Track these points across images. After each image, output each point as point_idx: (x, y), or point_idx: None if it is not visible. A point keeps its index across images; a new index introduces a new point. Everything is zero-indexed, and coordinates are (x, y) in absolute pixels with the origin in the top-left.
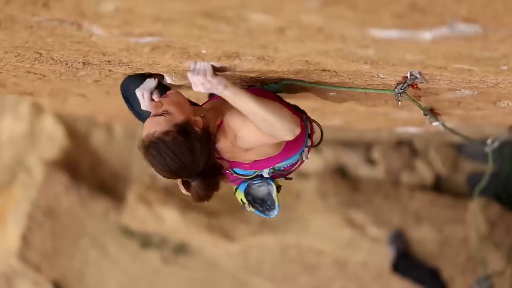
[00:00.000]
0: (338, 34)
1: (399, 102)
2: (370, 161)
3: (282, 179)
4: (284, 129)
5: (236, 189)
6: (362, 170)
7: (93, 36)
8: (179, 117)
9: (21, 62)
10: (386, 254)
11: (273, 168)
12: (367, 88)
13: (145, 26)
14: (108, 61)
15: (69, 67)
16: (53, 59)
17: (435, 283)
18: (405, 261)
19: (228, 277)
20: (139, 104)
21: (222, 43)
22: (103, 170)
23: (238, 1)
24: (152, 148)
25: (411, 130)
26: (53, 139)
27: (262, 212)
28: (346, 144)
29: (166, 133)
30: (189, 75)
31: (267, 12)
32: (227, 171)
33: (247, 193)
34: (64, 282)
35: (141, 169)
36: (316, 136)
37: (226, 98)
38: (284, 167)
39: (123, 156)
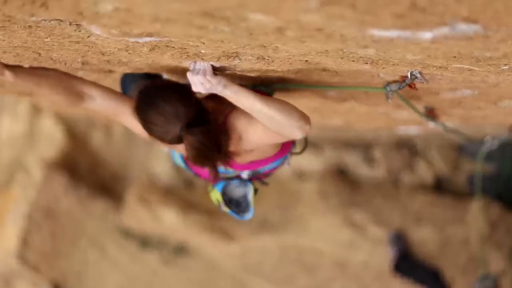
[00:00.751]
0: (338, 34)
1: (389, 100)
2: (371, 161)
3: (258, 182)
4: (292, 126)
5: (213, 188)
6: (362, 170)
7: (92, 36)
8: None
9: (19, 62)
10: (386, 255)
11: (254, 170)
12: (357, 87)
13: (144, 26)
14: (107, 61)
15: (68, 67)
16: (52, 59)
17: (436, 284)
18: (406, 261)
19: (228, 278)
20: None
21: (222, 43)
22: (102, 171)
23: (237, 1)
24: (151, 88)
25: (412, 130)
26: (52, 139)
27: (237, 213)
28: (347, 144)
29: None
30: (188, 75)
31: (266, 12)
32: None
33: (223, 193)
34: (63, 283)
35: (140, 170)
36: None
37: (227, 97)
38: (265, 171)
39: (122, 156)
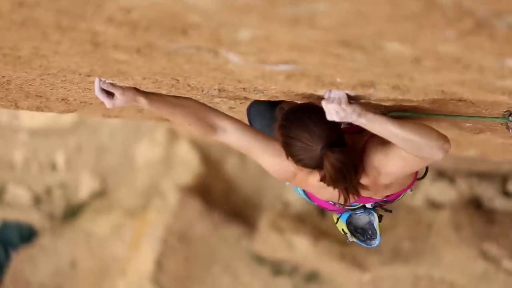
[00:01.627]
0: (476, 65)
1: (510, 130)
2: (506, 193)
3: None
4: (432, 146)
5: (338, 219)
6: (497, 202)
7: (229, 63)
8: None
9: (158, 88)
10: None
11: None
12: (473, 116)
13: (281, 54)
14: (243, 88)
15: (205, 93)
16: (189, 85)
17: None
18: None
19: None
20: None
21: (357, 71)
22: (236, 197)
23: (374, 30)
24: (299, 108)
25: None
26: (187, 165)
27: (364, 241)
28: (481, 176)
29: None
30: (323, 103)
31: (403, 41)
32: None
33: (348, 223)
34: None
35: (274, 197)
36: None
37: (362, 125)
38: (389, 199)
39: (256, 183)
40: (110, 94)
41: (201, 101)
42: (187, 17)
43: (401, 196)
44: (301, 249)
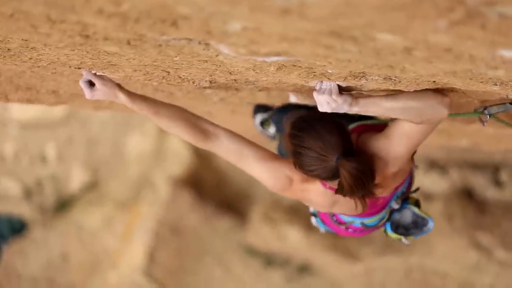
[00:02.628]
0: (467, 55)
1: (484, 124)
2: (498, 183)
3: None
4: (433, 105)
5: (385, 231)
6: (489, 192)
7: (220, 55)
8: None
9: (149, 80)
10: None
11: (397, 195)
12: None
13: (272, 45)
14: (235, 80)
15: (196, 85)
16: (180, 77)
17: None
18: None
19: None
20: None
21: (349, 62)
22: (227, 189)
23: (365, 21)
24: (314, 120)
25: None
26: (179, 157)
27: (420, 232)
28: (474, 166)
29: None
30: (314, 94)
31: (395, 32)
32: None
33: (396, 228)
34: None
35: (266, 188)
36: None
37: (356, 113)
38: (405, 189)
39: (248, 174)
40: (92, 85)
41: (193, 92)
42: (178, 8)
43: (413, 179)
44: (293, 240)
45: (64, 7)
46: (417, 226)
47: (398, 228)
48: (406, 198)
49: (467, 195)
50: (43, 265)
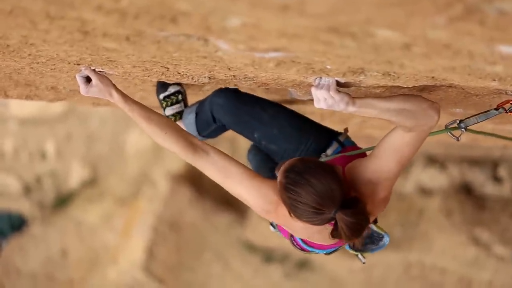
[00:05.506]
0: (466, 51)
1: (459, 138)
2: (497, 179)
3: None
4: (425, 109)
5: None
6: (488, 188)
7: (219, 51)
8: None
9: (148, 76)
10: None
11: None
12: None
13: (271, 41)
14: (234, 76)
15: (195, 81)
16: (179, 73)
17: None
18: None
19: None
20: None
21: (347, 58)
22: None
23: (364, 17)
24: (313, 167)
25: None
26: None
27: (377, 247)
28: (472, 161)
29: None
30: (312, 89)
31: (393, 28)
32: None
33: (353, 244)
34: None
35: None
36: None
37: (353, 113)
38: None
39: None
40: (89, 81)
41: (192, 88)
42: (177, 4)
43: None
44: None
45: (63, 3)
46: (372, 240)
47: (355, 244)
48: None
49: (466, 191)
50: (43, 261)
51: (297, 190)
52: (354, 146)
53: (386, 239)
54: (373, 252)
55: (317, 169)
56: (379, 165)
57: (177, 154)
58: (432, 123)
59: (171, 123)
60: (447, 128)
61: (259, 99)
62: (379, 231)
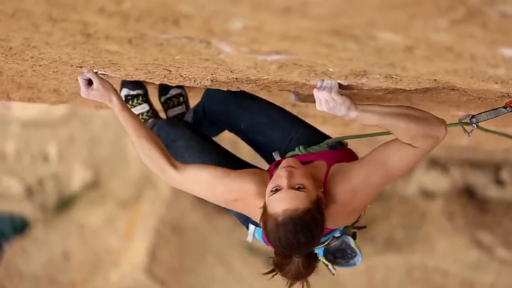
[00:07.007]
0: (468, 53)
1: (470, 134)
2: (499, 182)
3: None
4: (430, 119)
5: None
6: (490, 191)
7: (222, 54)
8: (313, 193)
9: (150, 78)
10: None
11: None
12: None
13: (273, 44)
14: (236, 79)
15: (198, 84)
16: (181, 76)
17: None
18: None
19: None
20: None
21: (350, 61)
22: None
23: (366, 20)
24: (290, 224)
25: None
26: None
27: (347, 263)
28: (475, 164)
29: (307, 211)
30: (314, 91)
31: (396, 31)
32: None
33: (326, 254)
34: None
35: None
36: None
37: (354, 119)
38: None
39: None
40: (90, 84)
41: (193, 91)
42: (179, 7)
43: (360, 217)
44: None
45: (66, 5)
46: (344, 256)
47: (327, 253)
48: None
49: (468, 193)
50: (45, 264)
51: (269, 234)
52: (348, 149)
53: (358, 259)
54: (342, 267)
55: (313, 226)
56: (366, 173)
57: (158, 173)
58: (439, 133)
59: (158, 141)
60: (460, 122)
61: (252, 94)
62: (355, 248)
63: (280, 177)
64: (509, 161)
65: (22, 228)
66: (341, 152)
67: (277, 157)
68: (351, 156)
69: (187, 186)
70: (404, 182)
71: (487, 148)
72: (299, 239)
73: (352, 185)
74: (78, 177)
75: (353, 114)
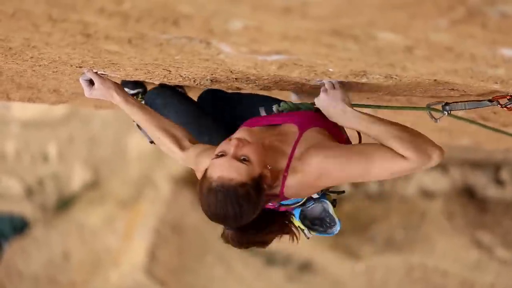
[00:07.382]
0: (468, 54)
1: (438, 120)
2: (499, 182)
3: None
4: (425, 138)
5: (292, 215)
6: (490, 191)
7: (221, 54)
8: (256, 170)
9: (150, 78)
10: None
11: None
12: (405, 107)
13: (273, 44)
14: (236, 79)
15: (197, 84)
16: (181, 76)
17: None
18: None
19: None
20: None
21: (350, 61)
22: None
23: (366, 20)
24: (221, 193)
25: None
26: None
27: (324, 232)
28: (474, 164)
29: (243, 185)
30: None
31: (396, 31)
32: (270, 205)
33: (303, 218)
34: None
35: None
36: None
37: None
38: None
39: None
40: (92, 83)
41: (193, 91)
42: (179, 7)
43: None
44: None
45: (66, 6)
46: (322, 224)
47: (305, 218)
48: (327, 193)
49: (468, 193)
50: (45, 264)
51: (201, 196)
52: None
53: (336, 228)
54: (318, 235)
55: (245, 201)
56: (347, 160)
57: (170, 155)
58: (431, 152)
59: (167, 126)
60: (428, 107)
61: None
62: (335, 217)
63: (229, 144)
64: (509, 161)
65: (22, 228)
66: (324, 117)
67: (262, 112)
68: (334, 126)
69: (193, 165)
70: (404, 182)
71: (487, 148)
72: (227, 211)
73: (327, 164)
74: (78, 177)
75: (348, 109)
